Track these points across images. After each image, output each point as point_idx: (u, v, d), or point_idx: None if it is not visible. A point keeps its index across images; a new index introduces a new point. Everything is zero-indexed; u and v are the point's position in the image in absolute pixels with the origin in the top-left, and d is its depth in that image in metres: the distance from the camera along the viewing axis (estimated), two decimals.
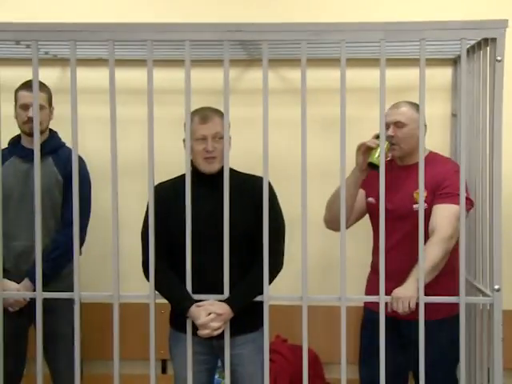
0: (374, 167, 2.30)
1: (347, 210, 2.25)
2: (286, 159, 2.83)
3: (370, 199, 2.48)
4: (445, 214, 2.29)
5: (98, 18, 2.46)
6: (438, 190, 2.37)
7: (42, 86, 2.23)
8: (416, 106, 2.41)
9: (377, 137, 2.29)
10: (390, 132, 2.42)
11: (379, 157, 2.21)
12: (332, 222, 2.44)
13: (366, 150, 2.33)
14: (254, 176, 2.29)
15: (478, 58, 2.40)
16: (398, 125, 2.43)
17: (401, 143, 2.43)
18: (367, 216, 2.60)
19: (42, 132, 2.54)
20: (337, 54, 2.17)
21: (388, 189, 2.44)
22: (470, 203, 2.38)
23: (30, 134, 2.63)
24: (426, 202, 2.36)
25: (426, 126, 2.51)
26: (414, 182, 2.20)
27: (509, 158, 2.31)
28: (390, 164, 2.56)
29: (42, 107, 2.56)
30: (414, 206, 2.32)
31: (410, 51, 2.62)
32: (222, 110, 2.16)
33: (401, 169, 2.49)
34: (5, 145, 2.61)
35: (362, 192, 2.52)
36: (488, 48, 2.22)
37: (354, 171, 2.39)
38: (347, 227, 2.23)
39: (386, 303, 2.17)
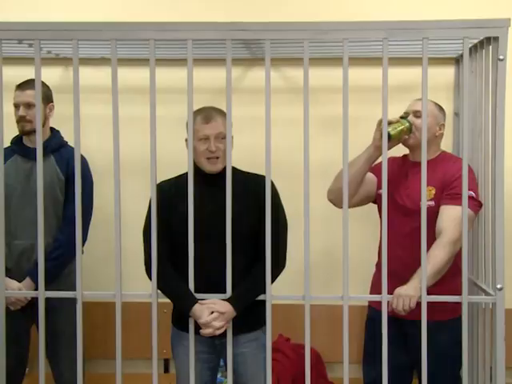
0: (389, 138, 2.31)
1: (354, 184, 2.32)
2: (289, 158, 2.84)
3: (381, 191, 2.48)
4: (452, 216, 2.28)
5: (101, 17, 2.47)
6: (447, 189, 2.37)
7: (34, 84, 2.24)
8: (439, 106, 2.51)
9: (401, 117, 2.40)
10: (410, 119, 2.44)
11: (396, 130, 2.31)
12: (334, 194, 2.44)
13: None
14: (256, 175, 2.29)
15: (481, 57, 2.40)
16: (417, 114, 2.44)
17: (416, 132, 2.43)
18: (373, 213, 2.59)
19: (34, 131, 2.55)
20: (339, 53, 2.17)
21: (399, 184, 2.46)
22: (478, 205, 2.37)
23: (24, 133, 2.66)
24: (433, 199, 2.38)
25: (443, 125, 2.52)
26: (426, 179, 2.18)
27: (511, 160, 2.32)
28: (402, 159, 2.58)
29: (31, 105, 2.59)
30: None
31: (413, 50, 2.63)
32: (224, 109, 2.16)
33: (413, 164, 2.49)
34: (7, 144, 2.62)
35: (374, 178, 2.52)
36: (490, 47, 2.22)
37: (368, 147, 2.42)
38: (350, 206, 2.21)
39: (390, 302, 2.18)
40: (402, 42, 2.48)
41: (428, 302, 2.12)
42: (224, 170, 2.15)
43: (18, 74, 2.68)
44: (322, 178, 2.53)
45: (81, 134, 2.16)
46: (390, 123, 2.36)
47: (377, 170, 2.48)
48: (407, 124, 2.41)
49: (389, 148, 2.37)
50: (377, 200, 2.54)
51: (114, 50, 2.13)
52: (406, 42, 2.50)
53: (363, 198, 2.55)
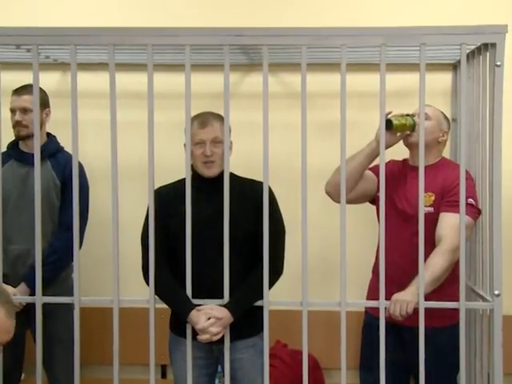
0: (389, 126, 2.32)
1: (353, 179, 2.36)
2: (286, 163, 2.84)
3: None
4: (452, 224, 2.27)
5: (99, 23, 2.48)
6: (447, 196, 2.36)
7: (31, 89, 2.24)
8: (444, 115, 2.54)
9: (407, 115, 2.41)
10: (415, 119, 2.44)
11: (399, 122, 2.34)
12: (332, 187, 2.43)
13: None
14: (254, 180, 2.30)
15: (478, 63, 2.40)
16: (424, 117, 2.43)
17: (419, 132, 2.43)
18: (371, 217, 2.59)
19: (30, 136, 2.56)
20: (337, 59, 2.17)
21: (398, 188, 2.44)
22: (477, 212, 2.36)
23: (20, 138, 2.67)
24: (433, 205, 2.38)
25: (446, 132, 2.52)
26: (423, 184, 2.18)
27: (508, 163, 2.32)
28: (402, 163, 2.57)
29: (27, 110, 2.60)
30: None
31: (410, 56, 2.63)
32: (222, 114, 2.17)
33: (412, 169, 2.47)
34: (3, 148, 2.62)
35: (374, 177, 2.49)
36: (488, 53, 2.23)
37: (370, 142, 2.41)
38: (347, 201, 2.19)
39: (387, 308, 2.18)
40: (400, 47, 2.48)
41: (426, 309, 2.12)
42: (221, 174, 2.16)
43: (16, 78, 2.68)
44: (319, 184, 2.52)
45: (78, 139, 2.16)
46: (395, 116, 2.38)
47: (378, 170, 2.46)
48: (411, 121, 2.41)
49: (391, 143, 2.38)
50: (375, 202, 2.52)
51: (111, 55, 2.13)
52: (404, 48, 2.51)
53: (361, 195, 2.53)
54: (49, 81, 2.81)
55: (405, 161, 2.59)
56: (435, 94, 2.84)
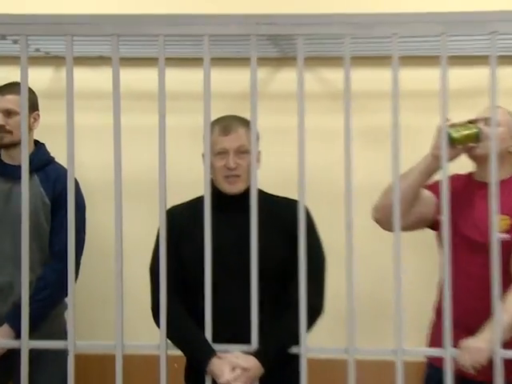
0: (451, 142, 2.28)
1: (407, 202, 2.34)
2: (326, 178, 2.84)
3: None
4: None
5: (100, 10, 2.49)
6: None
7: (17, 88, 2.26)
8: None
9: (469, 122, 2.38)
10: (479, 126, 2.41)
11: (460, 134, 2.32)
12: (381, 212, 2.42)
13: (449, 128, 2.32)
14: (287, 199, 2.29)
15: None
16: (489, 122, 2.39)
17: (486, 141, 2.36)
18: (431, 245, 2.54)
19: (14, 144, 2.62)
20: (387, 51, 2.14)
21: (463, 210, 2.40)
22: None
23: (2, 146, 2.73)
24: (509, 231, 2.34)
25: None
26: (496, 205, 2.13)
27: None
28: (467, 178, 2.54)
29: (12, 112, 2.62)
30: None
31: (478, 47, 2.64)
32: (248, 118, 2.15)
33: (479, 185, 2.44)
34: None
35: (433, 198, 2.48)
36: None
37: (425, 157, 2.39)
38: (401, 229, 2.16)
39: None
40: (465, 37, 2.50)
41: (504, 360, 2.02)
42: (247, 191, 2.13)
43: (0, 75, 2.70)
44: (366, 203, 2.50)
45: (74, 147, 2.15)
46: (453, 126, 2.34)
47: (437, 189, 2.41)
48: (475, 130, 2.38)
49: (451, 157, 2.33)
50: (436, 227, 2.48)
51: (115, 48, 2.12)
52: (470, 38, 2.53)
53: (417, 220, 2.50)
54: (39, 78, 2.85)
55: (470, 175, 2.55)
56: (508, 93, 2.80)
